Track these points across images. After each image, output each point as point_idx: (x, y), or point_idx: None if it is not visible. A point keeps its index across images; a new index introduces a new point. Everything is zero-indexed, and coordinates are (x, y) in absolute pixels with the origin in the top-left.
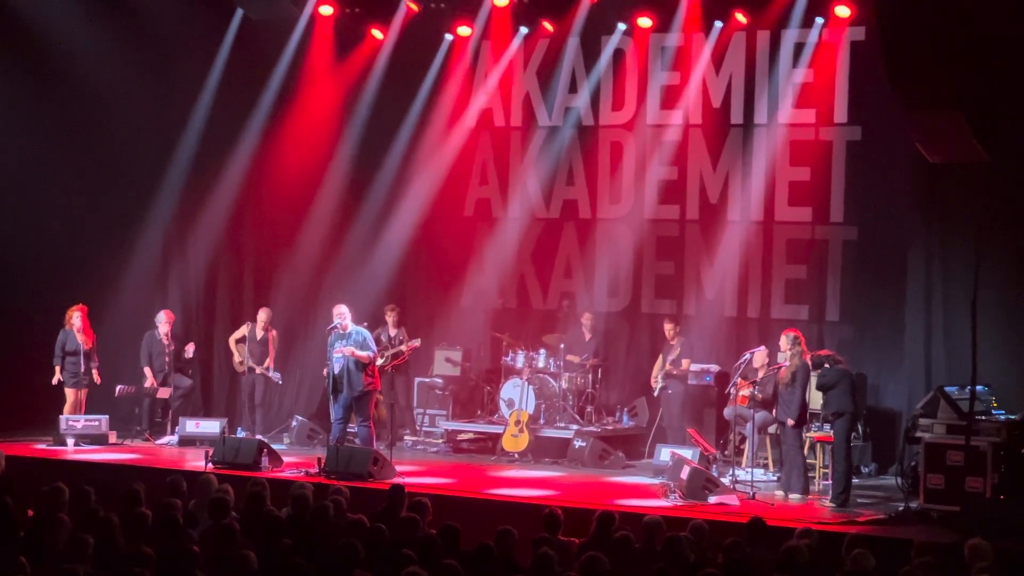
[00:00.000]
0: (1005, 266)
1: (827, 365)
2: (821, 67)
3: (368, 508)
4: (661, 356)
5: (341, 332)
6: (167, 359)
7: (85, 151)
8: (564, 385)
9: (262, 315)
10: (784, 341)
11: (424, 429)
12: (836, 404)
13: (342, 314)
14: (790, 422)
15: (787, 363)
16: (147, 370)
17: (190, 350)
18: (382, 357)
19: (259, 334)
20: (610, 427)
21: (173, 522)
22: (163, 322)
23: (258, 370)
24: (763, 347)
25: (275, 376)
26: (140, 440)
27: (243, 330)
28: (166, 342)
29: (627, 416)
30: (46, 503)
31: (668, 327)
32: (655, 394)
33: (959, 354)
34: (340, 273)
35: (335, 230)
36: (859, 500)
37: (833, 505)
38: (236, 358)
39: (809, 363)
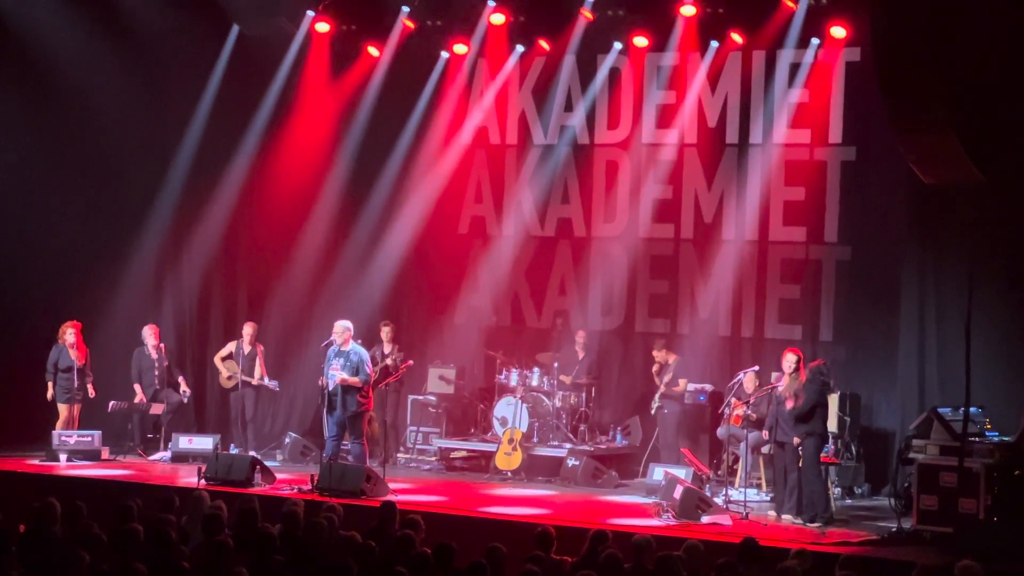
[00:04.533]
0: (999, 287)
1: (823, 380)
2: (816, 87)
3: (361, 525)
4: (657, 378)
5: (340, 348)
6: (156, 374)
7: (80, 167)
8: (557, 403)
9: (248, 329)
10: (787, 361)
11: (417, 447)
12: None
13: (342, 332)
14: (796, 440)
15: (784, 383)
16: (136, 387)
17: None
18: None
19: (246, 349)
20: (603, 446)
21: (166, 538)
22: (149, 336)
23: (253, 382)
24: (756, 367)
25: (272, 384)
26: (133, 456)
27: (229, 347)
28: (155, 356)
29: (620, 435)
30: (38, 519)
31: (657, 353)
32: (652, 413)
33: (952, 375)
34: (334, 290)
35: (329, 247)
36: (843, 519)
37: (817, 523)
38: (224, 374)
39: (817, 374)
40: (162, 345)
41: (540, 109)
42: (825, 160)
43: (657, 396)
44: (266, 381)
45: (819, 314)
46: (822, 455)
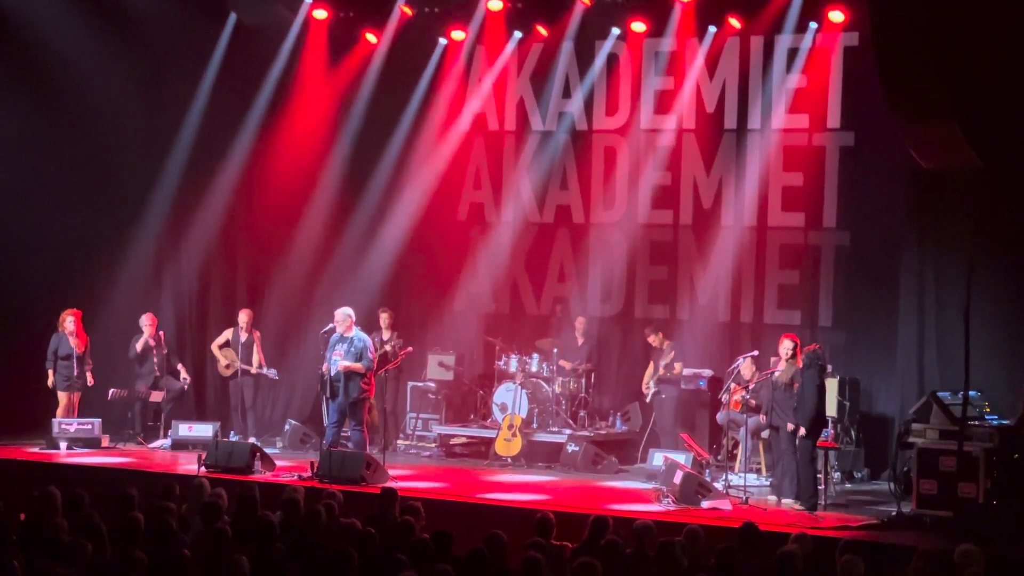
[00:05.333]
0: (998, 271)
1: (820, 364)
2: (814, 72)
3: (361, 512)
4: (652, 363)
5: (343, 335)
6: (156, 362)
7: (78, 156)
8: (557, 389)
9: (243, 316)
10: (784, 347)
11: (417, 433)
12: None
13: (344, 319)
14: (790, 426)
15: (780, 368)
16: (135, 340)
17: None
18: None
19: (243, 336)
20: (603, 432)
21: (166, 527)
22: (146, 325)
23: (252, 370)
24: (756, 352)
25: (271, 372)
26: (133, 444)
27: (226, 335)
28: (152, 344)
29: (620, 421)
30: (38, 507)
31: (652, 337)
32: (647, 400)
33: (952, 359)
34: (334, 277)
35: (329, 234)
36: (842, 504)
37: (803, 507)
38: (222, 362)
39: (814, 358)
40: (161, 333)
41: (538, 95)
42: (823, 145)
43: (653, 381)
44: (264, 370)
45: (818, 299)
46: (821, 439)
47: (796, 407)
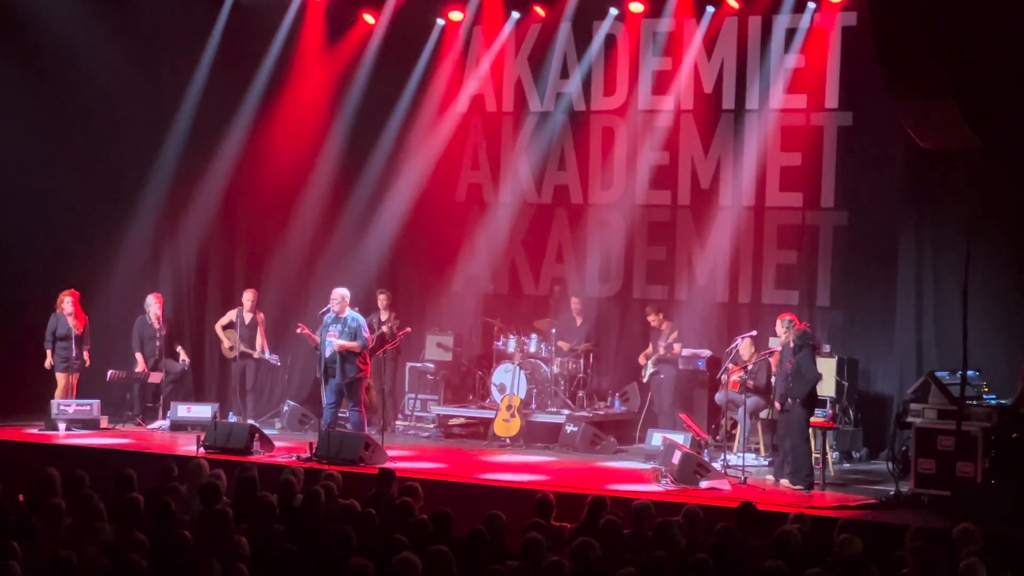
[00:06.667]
0: (996, 251)
1: (811, 344)
2: (812, 52)
3: (360, 493)
4: (650, 343)
5: (337, 316)
6: (158, 344)
7: (76, 137)
8: (556, 370)
9: (248, 296)
10: (779, 325)
11: (415, 414)
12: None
13: (338, 299)
14: (777, 405)
15: (779, 347)
16: (138, 356)
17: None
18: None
19: (247, 317)
20: (601, 412)
21: (165, 508)
22: (152, 305)
23: (254, 355)
24: (754, 332)
25: (273, 358)
26: (132, 425)
27: (230, 315)
28: (157, 326)
29: (619, 401)
30: (37, 489)
31: (652, 316)
32: (645, 380)
33: (950, 339)
34: (332, 258)
35: (327, 215)
36: (840, 483)
37: (800, 487)
38: (225, 344)
39: (805, 338)
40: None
41: (536, 76)
42: (821, 125)
43: (651, 361)
44: (267, 355)
45: (816, 279)
46: (821, 419)
47: (791, 387)
